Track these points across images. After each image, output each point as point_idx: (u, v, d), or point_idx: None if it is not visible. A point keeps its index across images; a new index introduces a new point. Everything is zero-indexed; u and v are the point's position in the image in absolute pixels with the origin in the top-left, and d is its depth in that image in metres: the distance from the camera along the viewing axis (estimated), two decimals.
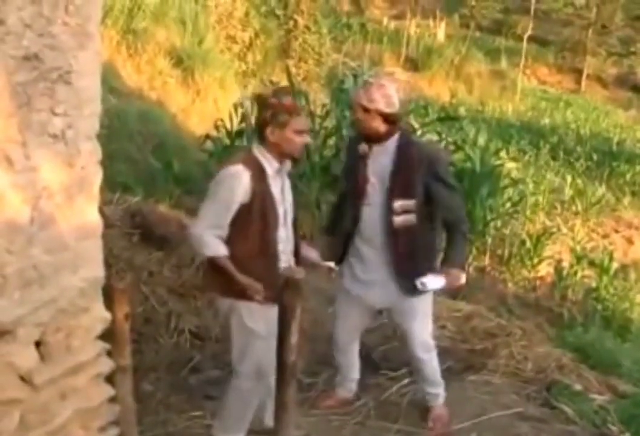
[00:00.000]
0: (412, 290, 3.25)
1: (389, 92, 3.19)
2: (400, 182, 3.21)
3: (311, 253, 3.29)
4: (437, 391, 3.52)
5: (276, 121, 2.85)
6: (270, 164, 2.91)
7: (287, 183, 3.05)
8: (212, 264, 2.93)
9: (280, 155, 2.92)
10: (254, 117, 3.11)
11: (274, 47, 14.42)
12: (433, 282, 3.23)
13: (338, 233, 3.48)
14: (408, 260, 3.27)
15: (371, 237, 3.32)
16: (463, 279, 3.31)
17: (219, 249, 2.86)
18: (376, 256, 3.32)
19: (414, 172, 3.20)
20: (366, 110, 3.21)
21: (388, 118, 3.20)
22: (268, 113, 2.86)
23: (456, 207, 3.32)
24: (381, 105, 3.18)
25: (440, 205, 3.25)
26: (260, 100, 2.98)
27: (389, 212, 3.22)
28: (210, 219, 2.85)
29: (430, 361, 3.47)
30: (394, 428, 3.46)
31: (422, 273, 3.22)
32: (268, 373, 2.87)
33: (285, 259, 2.97)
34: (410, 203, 3.20)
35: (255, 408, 3.07)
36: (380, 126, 3.22)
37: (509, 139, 14.99)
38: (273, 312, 2.81)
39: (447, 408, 3.53)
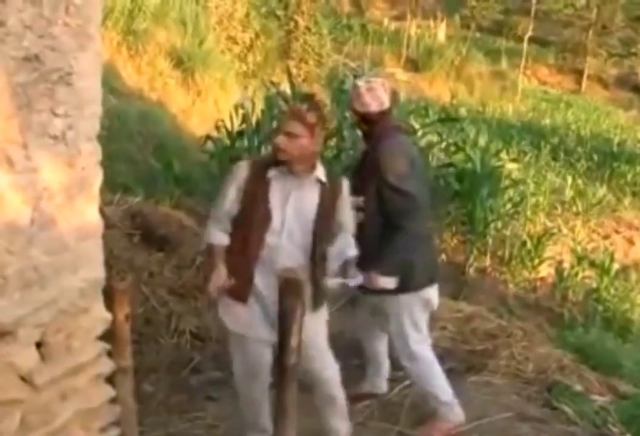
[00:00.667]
0: (370, 290, 3.21)
1: (361, 91, 3.27)
2: (358, 179, 3.24)
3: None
4: (435, 405, 3.39)
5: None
6: (274, 167, 2.85)
7: (306, 194, 2.86)
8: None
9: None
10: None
11: (274, 48, 14.42)
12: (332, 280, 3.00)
13: None
14: (361, 259, 3.14)
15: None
16: (382, 284, 3.17)
17: (212, 237, 2.91)
18: None
19: (366, 171, 3.26)
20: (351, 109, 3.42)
21: (364, 118, 3.30)
22: None
23: (399, 213, 3.18)
24: (356, 105, 3.30)
25: (385, 208, 3.20)
26: None
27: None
28: (214, 212, 2.94)
29: (414, 372, 3.39)
30: (396, 429, 3.46)
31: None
32: (257, 374, 2.91)
33: (272, 268, 2.77)
34: (359, 199, 3.19)
35: (257, 409, 3.05)
36: (362, 126, 3.36)
37: (509, 140, 14.98)
38: (240, 309, 2.85)
39: (453, 423, 3.39)
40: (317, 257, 2.88)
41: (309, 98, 2.98)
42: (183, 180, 6.94)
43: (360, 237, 3.15)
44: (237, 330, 2.92)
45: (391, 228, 3.18)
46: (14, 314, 1.87)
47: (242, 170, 2.86)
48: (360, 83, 3.32)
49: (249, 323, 2.87)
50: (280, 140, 2.82)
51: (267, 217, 2.82)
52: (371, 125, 3.29)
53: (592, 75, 27.72)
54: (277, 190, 2.84)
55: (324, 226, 2.87)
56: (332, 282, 2.93)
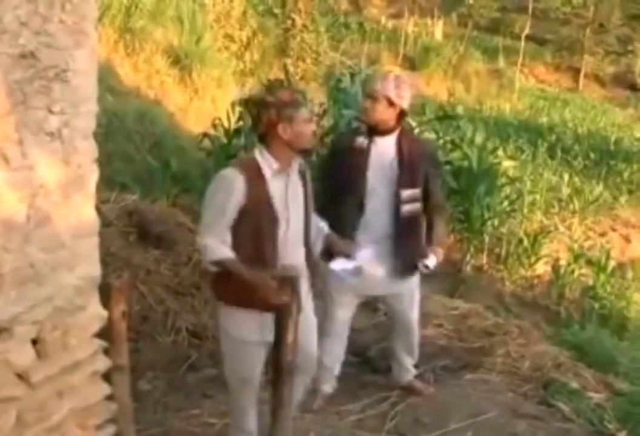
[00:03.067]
0: (410, 274, 3.50)
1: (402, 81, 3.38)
2: (407, 172, 3.38)
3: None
4: None
5: (284, 117, 2.75)
6: (269, 166, 2.79)
7: (295, 184, 2.90)
8: (220, 269, 2.81)
9: (291, 151, 2.81)
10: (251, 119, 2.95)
11: (271, 46, 14.41)
12: (431, 262, 3.37)
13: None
14: (411, 246, 3.41)
15: (374, 226, 3.37)
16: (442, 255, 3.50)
17: (223, 252, 2.74)
18: (378, 244, 3.35)
19: (418, 162, 3.41)
20: (392, 104, 3.33)
21: (402, 113, 3.41)
22: (272, 113, 2.75)
23: (440, 192, 3.64)
24: (404, 102, 3.35)
25: (430, 191, 3.48)
26: (256, 102, 2.88)
27: (397, 201, 3.34)
28: (209, 227, 2.76)
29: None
30: (390, 426, 3.46)
31: (420, 256, 3.38)
32: (252, 378, 2.89)
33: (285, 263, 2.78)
34: (416, 191, 3.40)
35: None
36: (392, 119, 3.38)
37: (506, 138, 14.98)
38: (251, 315, 2.76)
39: None
40: (309, 243, 2.99)
41: (281, 85, 3.00)
42: (180, 178, 6.94)
43: (417, 226, 3.47)
44: (243, 336, 2.82)
45: (434, 208, 3.52)
46: (10, 311, 1.87)
47: (235, 179, 2.74)
48: (405, 78, 3.41)
49: (261, 328, 2.75)
50: (313, 127, 2.95)
51: (273, 218, 2.79)
52: (402, 120, 3.43)
53: (589, 74, 27.73)
54: (273, 189, 2.80)
55: (308, 212, 2.98)
56: (335, 265, 3.12)
